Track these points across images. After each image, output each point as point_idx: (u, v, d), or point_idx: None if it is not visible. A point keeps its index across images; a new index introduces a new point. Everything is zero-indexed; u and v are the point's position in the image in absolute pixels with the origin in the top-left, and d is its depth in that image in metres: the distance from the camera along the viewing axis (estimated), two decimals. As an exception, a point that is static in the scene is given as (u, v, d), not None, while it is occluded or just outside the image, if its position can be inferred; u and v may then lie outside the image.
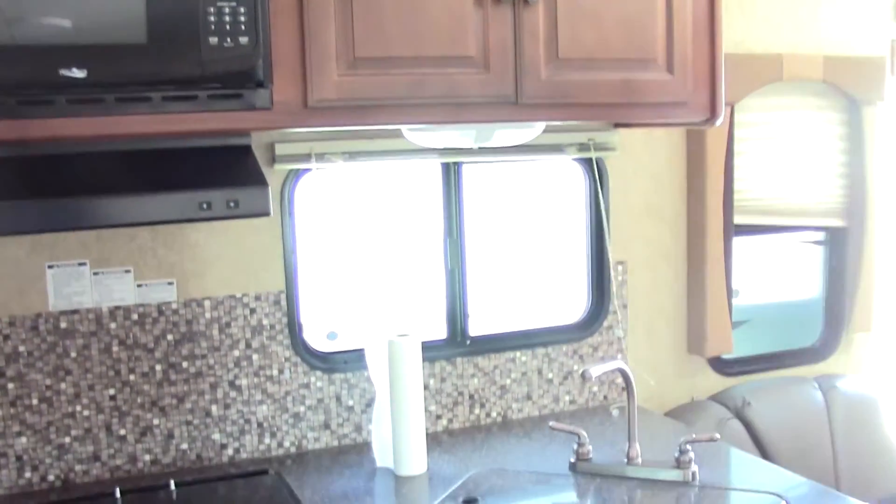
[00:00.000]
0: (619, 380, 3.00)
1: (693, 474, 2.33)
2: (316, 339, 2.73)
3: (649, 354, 3.08)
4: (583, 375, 2.20)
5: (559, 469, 2.46)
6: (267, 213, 2.08)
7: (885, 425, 3.32)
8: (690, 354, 3.15)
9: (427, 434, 2.75)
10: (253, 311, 2.60)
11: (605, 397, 3.03)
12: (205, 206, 1.99)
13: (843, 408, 3.24)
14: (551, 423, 2.48)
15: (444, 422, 2.84)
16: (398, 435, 2.46)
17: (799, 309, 3.64)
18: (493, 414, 2.89)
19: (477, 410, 2.87)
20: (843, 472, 3.17)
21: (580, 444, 2.44)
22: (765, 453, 3.03)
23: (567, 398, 2.98)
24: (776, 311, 3.62)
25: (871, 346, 3.50)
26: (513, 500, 2.32)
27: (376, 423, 2.53)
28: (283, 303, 2.62)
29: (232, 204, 2.01)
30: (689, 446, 2.34)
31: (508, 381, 2.90)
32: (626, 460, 2.40)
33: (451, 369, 2.82)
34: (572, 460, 2.45)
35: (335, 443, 2.72)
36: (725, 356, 3.24)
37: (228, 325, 2.57)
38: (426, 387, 2.79)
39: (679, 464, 2.34)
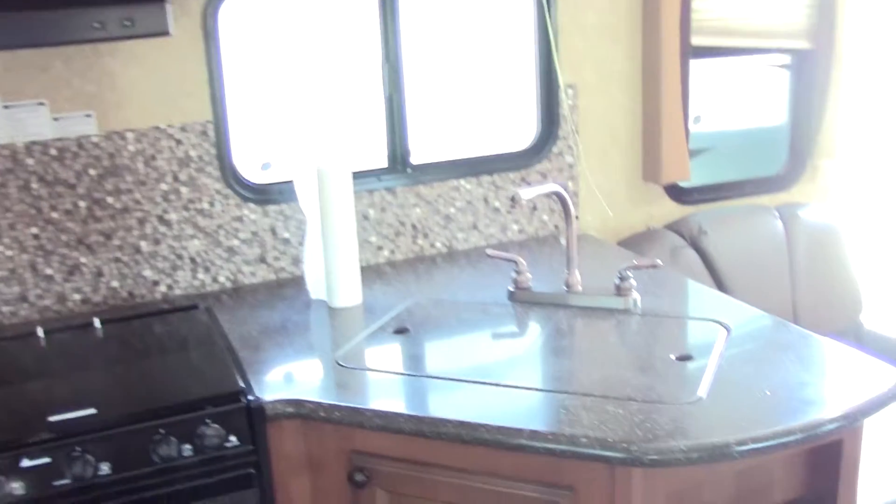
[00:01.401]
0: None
1: (634, 301, 2.26)
2: (249, 170, 2.62)
3: (602, 181, 2.97)
4: (512, 199, 2.10)
5: (499, 298, 2.38)
6: (165, 33, 1.94)
7: (846, 255, 3.24)
8: (646, 182, 3.04)
9: (369, 266, 2.70)
10: (179, 142, 2.48)
11: (556, 226, 2.94)
12: (97, 24, 1.85)
13: (804, 237, 3.15)
14: (488, 251, 2.40)
15: (385, 253, 2.75)
16: (330, 267, 2.38)
17: (763, 136, 3.52)
18: (438, 244, 2.81)
19: (420, 241, 2.79)
20: (801, 304, 3.10)
21: (518, 272, 2.36)
22: (720, 283, 2.96)
23: (515, 227, 2.89)
24: (739, 138, 3.51)
25: (835, 174, 3.39)
26: (446, 330, 2.25)
27: (309, 255, 2.44)
28: (211, 133, 2.50)
29: (127, 23, 1.87)
30: (630, 273, 2.25)
31: (453, 211, 2.80)
32: (565, 288, 2.32)
33: (391, 199, 2.72)
34: (511, 289, 2.37)
35: (272, 276, 2.64)
36: (684, 184, 3.13)
37: (154, 157, 2.46)
38: (366, 217, 2.70)
39: (619, 291, 2.26)
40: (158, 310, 2.44)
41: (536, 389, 1.87)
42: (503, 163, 2.84)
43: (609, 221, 3.00)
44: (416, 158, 2.75)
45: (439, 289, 2.50)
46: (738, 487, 1.84)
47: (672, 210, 3.12)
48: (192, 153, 2.49)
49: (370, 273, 2.63)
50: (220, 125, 2.51)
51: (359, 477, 1.85)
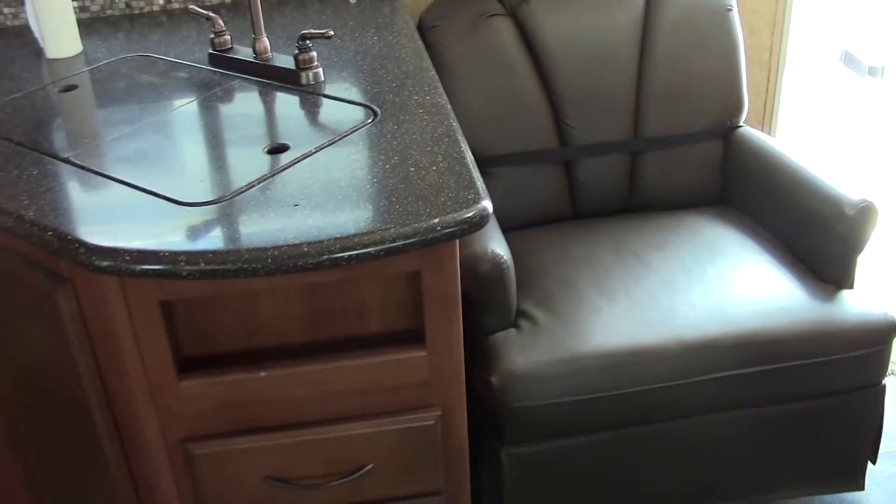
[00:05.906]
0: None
1: (314, 76, 2.03)
2: None
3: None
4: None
5: (203, 61, 2.20)
6: None
7: (732, 45, 2.71)
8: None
9: (114, 16, 2.55)
10: None
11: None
12: None
13: (672, 17, 2.67)
14: (190, 7, 2.19)
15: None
16: (43, 14, 2.25)
17: None
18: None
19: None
20: (650, 96, 2.67)
21: (216, 33, 2.16)
22: (539, 64, 2.61)
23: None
24: None
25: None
26: (116, 93, 2.08)
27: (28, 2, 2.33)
28: None
29: None
30: (308, 44, 2.02)
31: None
32: (254, 55, 2.11)
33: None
34: (210, 51, 2.18)
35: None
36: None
37: None
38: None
39: (299, 63, 2.03)
40: None
41: (103, 174, 1.70)
42: None
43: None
44: None
45: (157, 45, 2.33)
46: (311, 304, 1.67)
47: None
48: None
49: (97, 25, 2.51)
50: None
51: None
